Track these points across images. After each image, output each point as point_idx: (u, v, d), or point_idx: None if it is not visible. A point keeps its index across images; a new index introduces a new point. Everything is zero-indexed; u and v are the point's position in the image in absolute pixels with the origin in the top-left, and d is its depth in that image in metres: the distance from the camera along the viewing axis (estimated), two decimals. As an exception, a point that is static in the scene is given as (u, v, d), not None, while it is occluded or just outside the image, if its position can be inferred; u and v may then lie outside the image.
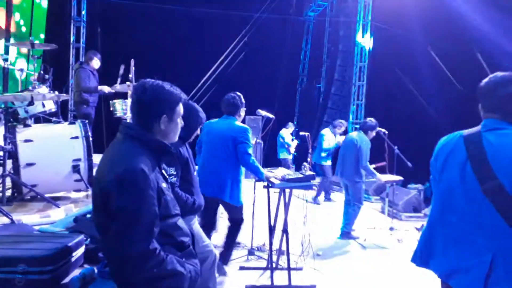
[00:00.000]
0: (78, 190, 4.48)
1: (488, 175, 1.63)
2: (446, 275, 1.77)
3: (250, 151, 3.75)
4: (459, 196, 1.76)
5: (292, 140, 9.30)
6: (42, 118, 4.82)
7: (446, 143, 1.89)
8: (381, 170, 6.12)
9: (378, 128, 5.68)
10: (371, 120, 5.62)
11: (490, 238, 1.64)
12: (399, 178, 5.99)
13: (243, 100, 3.97)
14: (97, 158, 4.22)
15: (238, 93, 3.99)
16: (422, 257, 1.92)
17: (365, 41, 11.01)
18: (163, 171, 1.95)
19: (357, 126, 10.64)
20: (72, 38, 9.09)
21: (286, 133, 9.26)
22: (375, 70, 10.86)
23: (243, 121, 4.38)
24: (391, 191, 6.55)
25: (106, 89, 6.14)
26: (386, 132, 5.77)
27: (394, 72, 10.16)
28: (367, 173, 5.43)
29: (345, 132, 7.82)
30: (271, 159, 9.29)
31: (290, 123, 9.55)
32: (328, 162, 7.90)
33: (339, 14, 12.92)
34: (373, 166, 5.69)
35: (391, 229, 6.06)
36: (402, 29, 9.79)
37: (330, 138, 7.82)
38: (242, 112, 4.00)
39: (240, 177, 3.83)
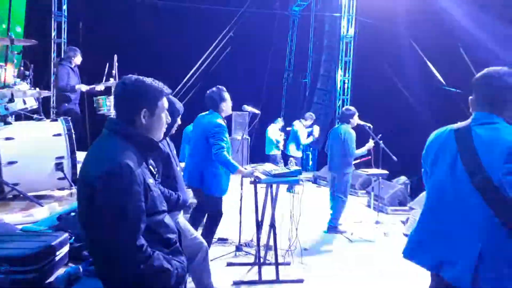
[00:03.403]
0: (62, 188, 4.40)
1: (478, 169, 1.65)
2: (436, 266, 1.80)
3: (222, 145, 3.78)
4: (449, 189, 1.79)
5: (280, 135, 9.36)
6: (23, 116, 4.71)
7: (437, 137, 1.92)
8: (367, 164, 6.18)
9: (363, 122, 5.73)
10: (348, 109, 5.71)
11: (479, 230, 1.67)
12: (384, 171, 6.07)
13: (223, 95, 3.98)
14: (81, 155, 4.17)
15: (220, 87, 4.01)
16: (414, 250, 1.94)
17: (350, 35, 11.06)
18: (150, 166, 1.92)
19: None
20: (53, 33, 8.88)
21: (275, 129, 9.27)
22: (361, 64, 10.92)
23: (230, 117, 4.40)
24: (377, 185, 6.62)
25: (83, 87, 6.05)
26: (371, 126, 5.81)
27: (379, 67, 10.23)
28: (357, 157, 5.56)
29: (312, 125, 8.78)
30: (258, 155, 9.28)
31: (279, 119, 9.55)
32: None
33: (324, 9, 12.93)
34: (358, 161, 5.77)
35: (377, 222, 6.13)
36: (386, 23, 9.86)
37: (303, 130, 8.60)
38: (225, 106, 4.00)
39: (218, 170, 3.86)
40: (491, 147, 1.66)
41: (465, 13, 8.11)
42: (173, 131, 2.79)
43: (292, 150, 8.65)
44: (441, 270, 1.78)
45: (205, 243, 2.99)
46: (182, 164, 5.94)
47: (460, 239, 1.73)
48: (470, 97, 1.86)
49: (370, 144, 5.61)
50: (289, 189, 7.83)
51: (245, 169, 3.99)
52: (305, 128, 8.76)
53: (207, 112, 4.06)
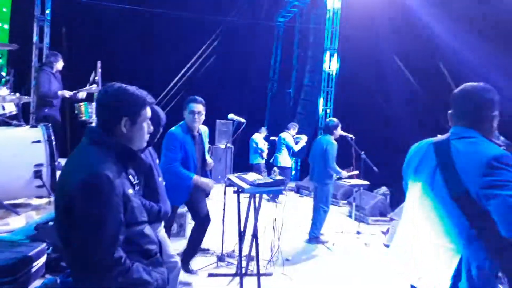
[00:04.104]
0: (40, 197, 4.29)
1: (456, 182, 1.70)
2: (416, 278, 1.83)
3: (171, 155, 3.70)
4: (429, 201, 1.83)
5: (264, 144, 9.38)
6: (2, 121, 4.60)
7: (417, 150, 1.97)
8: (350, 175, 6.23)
9: (345, 133, 5.81)
10: (332, 120, 5.78)
11: (457, 241, 1.71)
12: (365, 182, 6.14)
13: (188, 103, 3.86)
14: (62, 162, 4.08)
15: (192, 97, 3.92)
16: (395, 259, 1.97)
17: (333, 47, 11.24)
18: (130, 176, 1.90)
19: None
20: (35, 38, 8.74)
21: (259, 138, 9.28)
22: (344, 77, 11.09)
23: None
24: (358, 195, 6.69)
25: (66, 93, 5.94)
26: (353, 138, 5.90)
27: (362, 78, 10.40)
28: (334, 172, 5.55)
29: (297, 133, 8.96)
30: (242, 164, 9.27)
31: (262, 128, 9.58)
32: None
33: (309, 20, 13.13)
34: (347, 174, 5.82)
35: (358, 233, 6.19)
36: (369, 36, 10.05)
37: (292, 140, 8.75)
38: (185, 114, 3.88)
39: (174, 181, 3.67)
40: (469, 161, 1.70)
41: (445, 29, 8.35)
42: (155, 141, 2.75)
43: (282, 160, 8.62)
44: (420, 281, 1.81)
45: (179, 263, 2.93)
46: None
47: (439, 251, 1.76)
48: (449, 112, 1.92)
49: (345, 173, 5.68)
50: (273, 199, 7.90)
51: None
52: (293, 138, 8.82)
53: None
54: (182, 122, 3.95)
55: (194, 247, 4.13)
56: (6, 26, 7.84)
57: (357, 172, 5.87)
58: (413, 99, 9.49)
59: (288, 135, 8.71)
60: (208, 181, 3.85)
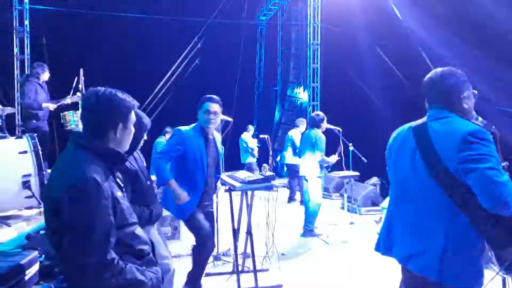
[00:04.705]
0: (30, 207, 4.27)
1: (435, 161, 1.75)
2: (405, 260, 1.87)
3: (164, 149, 3.42)
4: (411, 183, 1.88)
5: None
6: (-15, 134, 4.55)
7: (397, 135, 2.04)
8: (338, 166, 6.28)
9: (332, 127, 5.86)
10: (317, 114, 5.81)
11: (441, 219, 1.75)
12: (355, 173, 6.20)
13: (203, 102, 3.52)
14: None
15: (208, 95, 3.60)
16: (384, 246, 2.02)
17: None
18: (118, 179, 1.90)
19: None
20: (15, 50, 8.63)
21: (248, 137, 9.27)
22: (328, 71, 11.16)
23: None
24: (349, 187, 6.74)
25: (51, 106, 5.89)
26: (340, 130, 5.95)
27: (346, 72, 10.49)
28: (325, 163, 5.58)
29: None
30: (232, 163, 9.28)
31: (249, 126, 9.58)
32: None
33: (290, 18, 13.19)
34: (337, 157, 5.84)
35: (351, 223, 6.24)
36: (350, 30, 10.14)
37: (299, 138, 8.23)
38: (199, 114, 3.54)
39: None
40: (446, 139, 1.76)
41: (421, 26, 8.51)
42: (139, 146, 2.71)
43: (289, 158, 8.29)
44: (409, 262, 1.85)
45: (173, 266, 2.77)
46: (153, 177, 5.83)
47: (425, 231, 1.81)
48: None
49: (334, 158, 5.67)
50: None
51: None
52: (300, 134, 8.53)
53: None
54: (195, 123, 3.56)
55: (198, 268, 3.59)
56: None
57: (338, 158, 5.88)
58: (398, 88, 9.60)
59: (296, 133, 8.15)
60: (182, 195, 3.27)
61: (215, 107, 3.46)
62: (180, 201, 3.26)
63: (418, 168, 1.83)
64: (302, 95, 12.83)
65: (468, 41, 7.35)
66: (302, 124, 8.21)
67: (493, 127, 1.82)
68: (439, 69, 1.95)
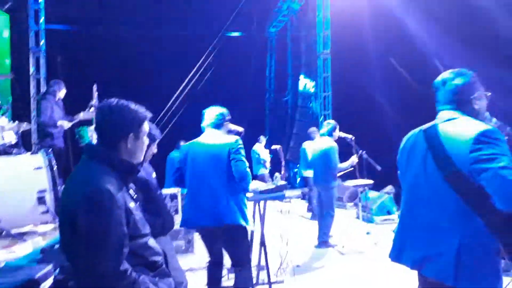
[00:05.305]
0: (45, 222, 4.31)
1: (447, 163, 1.72)
2: (419, 264, 1.82)
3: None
4: (424, 187, 1.84)
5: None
6: (2, 151, 4.64)
7: (408, 138, 2.02)
8: (352, 176, 6.21)
9: (345, 135, 5.80)
10: (329, 123, 5.76)
11: (455, 223, 1.71)
12: (369, 181, 6.11)
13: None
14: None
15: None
16: (397, 252, 1.98)
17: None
18: (131, 190, 1.92)
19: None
20: (32, 69, 8.85)
21: (260, 148, 9.24)
22: (339, 80, 11.13)
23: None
24: (364, 196, 6.65)
25: (65, 124, 5.98)
26: (353, 138, 5.88)
27: (357, 82, 10.44)
28: (340, 171, 5.51)
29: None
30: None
31: (261, 137, 9.57)
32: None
33: (300, 28, 13.26)
34: (342, 173, 5.78)
35: (367, 233, 6.14)
36: (360, 39, 10.13)
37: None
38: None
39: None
40: (457, 141, 1.72)
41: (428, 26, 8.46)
42: (148, 158, 2.73)
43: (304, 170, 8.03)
44: (423, 267, 1.80)
45: (186, 280, 2.79)
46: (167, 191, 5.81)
47: (438, 234, 1.76)
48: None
49: (354, 159, 5.58)
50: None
51: None
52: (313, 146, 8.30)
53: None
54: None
55: None
56: (7, 61, 8.04)
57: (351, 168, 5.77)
58: (410, 95, 9.51)
59: (309, 145, 7.73)
60: None
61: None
62: None
63: (430, 171, 1.80)
64: (309, 85, 12.79)
65: (489, 58, 7.23)
66: (316, 135, 7.83)
67: (508, 128, 1.78)
68: (449, 70, 1.94)
